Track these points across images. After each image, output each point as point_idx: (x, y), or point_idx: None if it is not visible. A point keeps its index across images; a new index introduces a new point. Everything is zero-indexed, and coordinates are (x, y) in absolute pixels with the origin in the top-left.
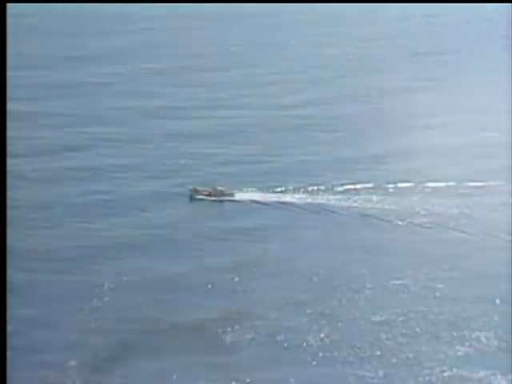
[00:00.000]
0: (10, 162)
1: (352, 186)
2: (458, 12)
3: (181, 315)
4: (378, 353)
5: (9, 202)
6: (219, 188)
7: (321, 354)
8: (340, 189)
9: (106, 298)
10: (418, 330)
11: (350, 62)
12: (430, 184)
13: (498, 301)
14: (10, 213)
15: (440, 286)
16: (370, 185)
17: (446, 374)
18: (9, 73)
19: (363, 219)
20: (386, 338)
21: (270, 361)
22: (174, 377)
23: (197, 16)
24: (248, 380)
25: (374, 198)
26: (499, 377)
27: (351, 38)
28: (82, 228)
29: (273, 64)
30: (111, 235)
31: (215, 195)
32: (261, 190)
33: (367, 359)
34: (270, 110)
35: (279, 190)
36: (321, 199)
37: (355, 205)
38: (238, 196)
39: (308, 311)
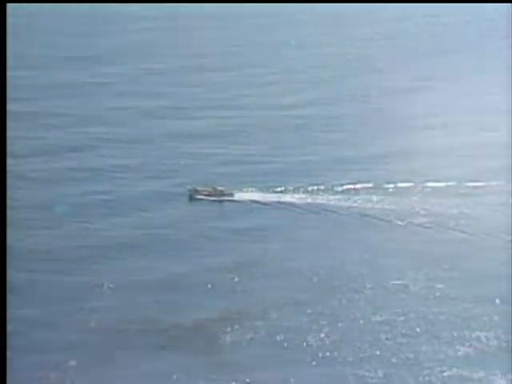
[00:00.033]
0: (10, 162)
1: (352, 186)
2: (457, 12)
3: (181, 315)
4: (378, 353)
5: (9, 202)
6: (219, 188)
7: (321, 354)
8: (340, 189)
9: (106, 298)
10: (418, 330)
11: (350, 62)
12: (430, 184)
13: (497, 301)
14: (10, 213)
15: (440, 286)
16: (370, 185)
17: (445, 374)
18: (9, 73)
19: (363, 219)
20: (386, 338)
21: (269, 361)
22: (174, 377)
23: (197, 16)
24: (248, 380)
25: (374, 197)
26: (499, 377)
27: (351, 38)
28: (82, 228)
29: (273, 64)
30: (111, 235)
31: (215, 195)
32: (261, 189)
33: (367, 359)
34: (270, 110)
35: (279, 189)
36: (321, 199)
37: (355, 205)
38: (238, 196)
39: (308, 311)
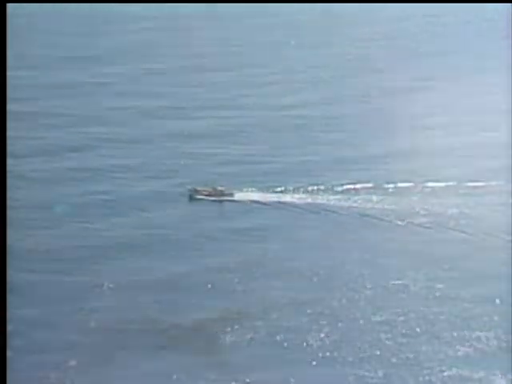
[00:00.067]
0: (10, 162)
1: (352, 186)
2: (458, 12)
3: (181, 315)
4: (378, 353)
5: (9, 202)
6: (219, 188)
7: (321, 354)
8: (340, 189)
9: (106, 298)
10: (418, 330)
11: (350, 62)
12: (430, 184)
13: (497, 301)
14: (10, 213)
15: (440, 286)
16: (370, 185)
17: (445, 374)
18: (9, 73)
19: (363, 219)
20: (386, 338)
21: (269, 361)
22: (174, 377)
23: (197, 16)
24: (248, 380)
25: (374, 197)
26: (499, 377)
27: (351, 38)
28: (82, 228)
29: (273, 64)
30: (111, 235)
31: (215, 195)
32: (261, 189)
33: (367, 359)
34: (270, 110)
35: (279, 189)
36: (321, 199)
37: (355, 205)
38: (238, 196)
39: (308, 311)
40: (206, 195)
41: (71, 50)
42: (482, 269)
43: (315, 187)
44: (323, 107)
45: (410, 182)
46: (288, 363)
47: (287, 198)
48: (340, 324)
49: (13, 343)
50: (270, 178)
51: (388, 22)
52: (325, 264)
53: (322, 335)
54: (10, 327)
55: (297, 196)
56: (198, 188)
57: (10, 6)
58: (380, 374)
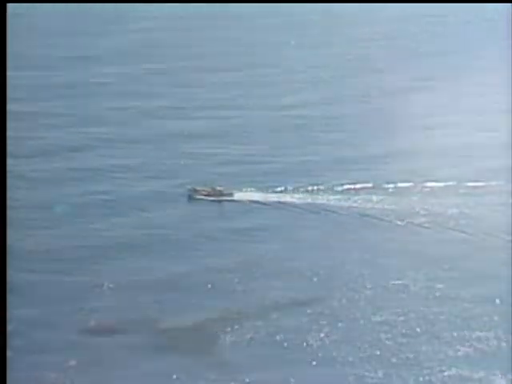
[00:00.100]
0: (9, 162)
1: (352, 186)
2: (458, 12)
3: (181, 315)
4: (378, 353)
5: (9, 202)
6: (218, 188)
7: (321, 354)
8: (340, 189)
9: (106, 298)
10: (418, 329)
11: (350, 62)
12: (430, 184)
13: (497, 301)
14: (10, 213)
15: (440, 286)
16: (370, 185)
17: (445, 374)
18: (9, 73)
19: (363, 219)
20: (386, 338)
21: (269, 361)
22: (174, 377)
23: (197, 16)
24: (247, 380)
25: (374, 198)
26: (499, 377)
27: (351, 38)
28: (82, 228)
29: (273, 64)
30: (111, 235)
31: (214, 195)
32: (260, 189)
33: (367, 359)
34: (270, 110)
35: (279, 189)
36: (321, 199)
37: (355, 205)
38: (237, 196)
39: (308, 311)
40: (206, 195)
41: (71, 50)
42: (482, 269)
43: (315, 187)
44: (323, 107)
45: (409, 181)
46: (288, 363)
47: (287, 198)
48: (340, 324)
49: (13, 343)
50: (270, 178)
51: (388, 22)
52: (325, 264)
53: (322, 335)
54: (10, 327)
55: (297, 196)
56: (198, 188)
57: (9, 6)
58: (380, 374)
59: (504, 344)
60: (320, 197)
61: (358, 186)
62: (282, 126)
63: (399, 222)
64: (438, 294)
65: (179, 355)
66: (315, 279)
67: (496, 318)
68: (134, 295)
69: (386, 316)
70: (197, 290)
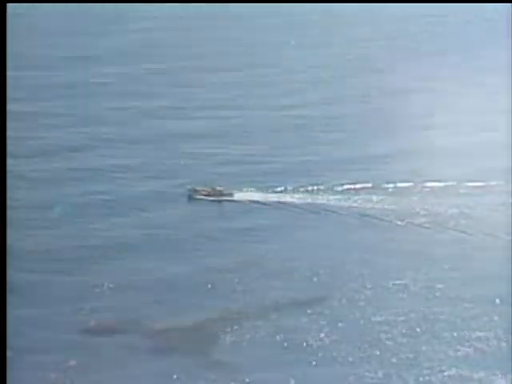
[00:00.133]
0: (9, 162)
1: (352, 186)
2: (458, 12)
3: (181, 315)
4: (378, 353)
5: (9, 202)
6: (218, 188)
7: (321, 354)
8: (340, 189)
9: (106, 299)
10: (418, 329)
11: (350, 62)
12: (430, 184)
13: (497, 301)
14: (10, 213)
15: (440, 285)
16: (370, 185)
17: (445, 374)
18: (9, 73)
19: (363, 219)
20: (386, 338)
21: (269, 361)
22: (174, 376)
23: (197, 16)
24: (247, 380)
25: (374, 198)
26: (499, 377)
27: (351, 38)
28: (82, 228)
29: (273, 64)
30: (111, 235)
31: (214, 195)
32: (260, 189)
33: (367, 359)
34: (270, 110)
35: (279, 189)
36: (321, 199)
37: (355, 205)
38: (238, 196)
39: (308, 311)
40: (206, 195)
41: (71, 50)
42: (482, 269)
43: (315, 187)
44: (323, 107)
45: (409, 181)
46: (288, 363)
47: (287, 197)
48: (340, 324)
49: (13, 343)
50: (270, 178)
51: (388, 22)
52: (325, 264)
53: (322, 335)
54: (9, 327)
55: (297, 196)
56: (197, 188)
57: (9, 6)
58: (380, 373)
59: (504, 344)
60: (320, 197)
61: (357, 186)
62: (282, 126)
63: (399, 222)
64: (437, 294)
65: (179, 355)
66: (315, 279)
67: (496, 318)
68: (134, 295)
69: (386, 316)
70: (197, 290)
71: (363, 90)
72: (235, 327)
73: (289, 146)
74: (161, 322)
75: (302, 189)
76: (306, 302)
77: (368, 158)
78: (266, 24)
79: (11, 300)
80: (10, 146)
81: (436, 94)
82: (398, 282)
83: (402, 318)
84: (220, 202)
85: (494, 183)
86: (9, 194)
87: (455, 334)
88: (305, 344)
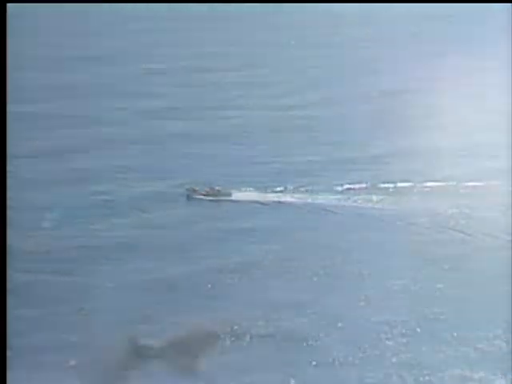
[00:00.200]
0: (9, 162)
1: (352, 186)
2: (458, 12)
3: (181, 315)
4: (378, 353)
5: (9, 203)
6: (217, 188)
7: (321, 354)
8: (340, 189)
9: (106, 299)
10: (418, 330)
11: (350, 62)
12: (430, 184)
13: (497, 301)
14: (10, 213)
15: (440, 286)
16: (370, 185)
17: (445, 374)
18: (9, 73)
19: (363, 219)
20: (386, 338)
21: (269, 361)
22: (174, 377)
23: (197, 16)
24: (247, 380)
25: (374, 197)
26: (499, 377)
27: (351, 38)
28: (82, 228)
29: (273, 64)
30: (111, 235)
31: (213, 195)
32: (260, 189)
33: (367, 359)
34: (270, 111)
35: (279, 189)
36: (321, 199)
37: (355, 205)
38: (237, 196)
39: (308, 311)
40: (204, 195)
41: (71, 50)
42: (482, 269)
43: (315, 187)
44: (323, 107)
45: (409, 181)
46: (288, 363)
47: (287, 197)
48: (340, 324)
49: (13, 343)
50: (270, 178)
51: (389, 22)
52: (325, 264)
53: (322, 335)
54: (9, 328)
55: (297, 196)
56: (196, 188)
57: (9, 6)
58: (380, 373)
59: (504, 344)
60: (320, 197)
61: (357, 186)
62: (282, 126)
63: (399, 222)
64: (437, 294)
65: (179, 355)
66: (315, 279)
67: (496, 317)
68: (134, 295)
69: (386, 316)
70: (197, 290)
71: (363, 90)
72: (235, 327)
73: (289, 146)
74: (160, 322)
75: (302, 189)
76: (306, 301)
77: (368, 158)
78: (266, 24)
79: (11, 300)
80: (10, 147)
81: (436, 94)
82: (398, 281)
83: (402, 318)
84: (219, 201)
85: (494, 183)
86: (9, 194)
87: (455, 334)
88: (305, 344)
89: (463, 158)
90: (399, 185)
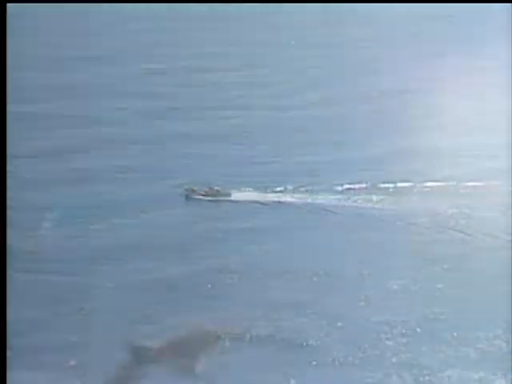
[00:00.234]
0: (9, 162)
1: (352, 186)
2: (458, 12)
3: (181, 315)
4: (378, 352)
5: (9, 203)
6: (216, 188)
7: (321, 354)
8: (340, 189)
9: (106, 299)
10: (418, 329)
11: (350, 62)
12: (430, 184)
13: (498, 300)
14: (10, 213)
15: (440, 285)
16: (370, 185)
17: (445, 374)
18: (8, 73)
19: (363, 219)
20: (386, 338)
21: (269, 361)
22: (174, 377)
23: (197, 16)
24: (247, 380)
25: (374, 197)
26: (499, 377)
27: (351, 38)
28: (82, 229)
29: (273, 64)
30: (111, 235)
31: (212, 195)
32: (260, 189)
33: (367, 359)
34: (270, 111)
35: (279, 189)
36: (321, 199)
37: (355, 205)
38: (236, 196)
39: (308, 311)
40: (203, 195)
41: (71, 50)
42: (482, 269)
43: (315, 187)
44: (323, 107)
45: (409, 181)
46: (288, 363)
47: (287, 197)
48: (340, 324)
49: (13, 343)
50: (270, 178)
51: (389, 22)
52: (325, 264)
53: (322, 335)
54: (9, 328)
55: (297, 196)
56: (195, 188)
57: (9, 6)
58: (380, 373)
59: (504, 344)
60: (320, 197)
61: (357, 186)
62: (282, 126)
63: (399, 222)
64: (437, 294)
65: (178, 356)
66: (315, 279)
67: (496, 317)
68: (134, 295)
69: (386, 316)
70: (197, 290)
71: (363, 90)
72: (235, 327)
73: (289, 146)
74: (160, 322)
75: (302, 189)
76: (306, 301)
77: (368, 158)
78: (266, 24)
79: (11, 300)
80: (10, 147)
81: (436, 94)
82: (398, 281)
83: (402, 318)
84: (218, 201)
85: (494, 183)
86: (9, 194)
87: (455, 334)
88: (305, 344)
89: (463, 157)
90: (399, 185)
